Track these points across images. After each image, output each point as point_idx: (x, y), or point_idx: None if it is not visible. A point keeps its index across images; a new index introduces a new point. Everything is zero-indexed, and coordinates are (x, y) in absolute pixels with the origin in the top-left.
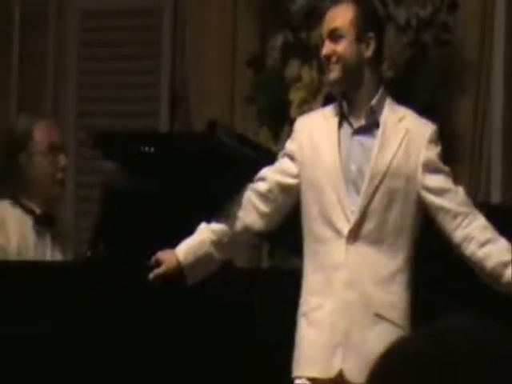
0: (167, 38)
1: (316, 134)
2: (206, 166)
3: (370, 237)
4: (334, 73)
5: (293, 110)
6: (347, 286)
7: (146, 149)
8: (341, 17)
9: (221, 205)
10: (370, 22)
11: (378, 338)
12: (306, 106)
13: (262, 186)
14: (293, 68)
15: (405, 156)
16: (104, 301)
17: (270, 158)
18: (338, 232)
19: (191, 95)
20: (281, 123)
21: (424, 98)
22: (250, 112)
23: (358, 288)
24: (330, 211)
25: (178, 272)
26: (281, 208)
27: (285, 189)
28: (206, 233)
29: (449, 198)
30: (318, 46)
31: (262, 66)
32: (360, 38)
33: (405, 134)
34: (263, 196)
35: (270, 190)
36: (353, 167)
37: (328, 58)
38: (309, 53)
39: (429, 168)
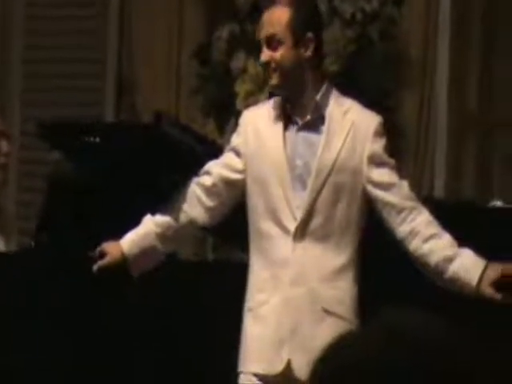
0: (113, 28)
1: (262, 128)
2: (152, 157)
3: (316, 233)
4: (274, 80)
5: (239, 102)
6: (293, 282)
7: (91, 139)
8: (277, 21)
9: (166, 196)
10: (307, 22)
11: (327, 333)
12: (252, 99)
13: (206, 180)
14: (239, 60)
15: (350, 150)
16: (48, 291)
17: (216, 150)
18: (284, 229)
19: (137, 86)
20: (227, 115)
21: (369, 92)
22: (197, 104)
23: (305, 284)
24: (276, 208)
25: (122, 263)
26: (225, 202)
27: (229, 183)
28: (150, 225)
29: (394, 193)
30: None
31: (208, 58)
32: (298, 42)
33: (350, 127)
34: (208, 190)
35: (214, 184)
36: (299, 162)
37: (267, 64)
38: (254, 45)
39: (374, 161)
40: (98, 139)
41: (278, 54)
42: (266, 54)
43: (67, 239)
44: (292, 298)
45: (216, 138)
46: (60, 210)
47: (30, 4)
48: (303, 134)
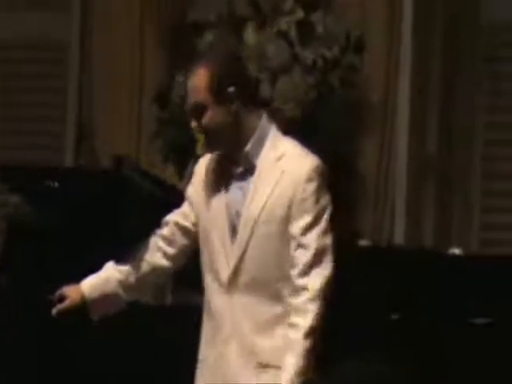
0: (74, 72)
1: (210, 178)
2: (111, 202)
3: (249, 284)
4: (206, 145)
5: (198, 148)
6: (228, 336)
7: (50, 183)
8: (196, 88)
9: (126, 241)
10: (225, 78)
11: None
12: None
13: (165, 230)
14: None
15: (279, 198)
16: (7, 333)
17: (175, 194)
18: (219, 281)
19: (97, 130)
20: (186, 160)
21: (329, 139)
22: (157, 148)
23: (240, 338)
24: (215, 259)
25: (82, 307)
26: (184, 249)
27: (185, 232)
28: (112, 271)
29: (293, 247)
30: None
31: (168, 102)
32: (221, 100)
33: (280, 175)
34: (167, 239)
35: (172, 233)
36: (233, 212)
37: (197, 132)
38: None
39: (298, 209)
40: (56, 183)
41: (203, 121)
42: (193, 124)
43: (26, 282)
44: (225, 355)
45: (176, 182)
46: (19, 252)
47: None
48: (239, 184)
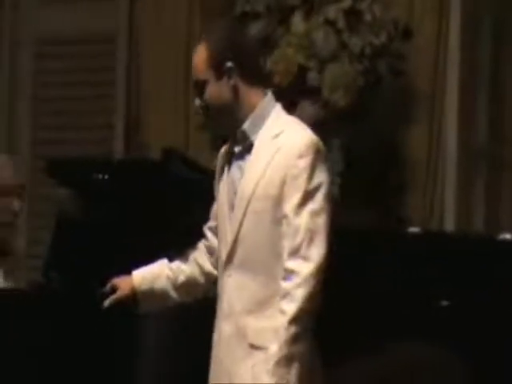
0: (122, 65)
1: (221, 164)
2: (160, 194)
3: (244, 264)
4: (210, 124)
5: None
6: (225, 317)
7: (100, 176)
8: (197, 63)
9: (174, 234)
10: (224, 52)
11: (250, 371)
12: None
13: (206, 238)
14: None
15: (272, 176)
16: (56, 328)
17: None
18: (221, 260)
19: (146, 122)
20: None
21: (378, 127)
22: (205, 139)
23: (234, 319)
24: (220, 239)
25: (132, 298)
26: None
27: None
28: (164, 268)
29: (287, 232)
30: (272, 73)
31: None
32: (220, 75)
33: (275, 153)
34: (207, 248)
35: (209, 239)
36: (233, 192)
37: (201, 111)
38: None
39: (290, 187)
40: (106, 176)
41: (204, 97)
42: (196, 101)
43: (76, 276)
44: (221, 333)
45: None
46: (68, 246)
47: (39, 42)
48: (238, 163)
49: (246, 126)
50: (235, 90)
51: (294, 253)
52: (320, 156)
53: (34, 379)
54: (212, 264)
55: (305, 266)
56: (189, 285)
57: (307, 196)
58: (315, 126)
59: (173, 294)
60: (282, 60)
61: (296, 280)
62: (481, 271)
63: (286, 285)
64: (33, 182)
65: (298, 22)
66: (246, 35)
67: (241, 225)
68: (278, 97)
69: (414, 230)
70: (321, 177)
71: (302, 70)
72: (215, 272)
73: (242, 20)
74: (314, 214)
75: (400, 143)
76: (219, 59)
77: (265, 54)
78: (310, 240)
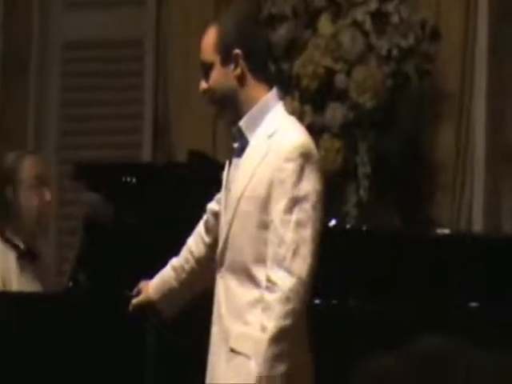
0: (150, 69)
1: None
2: (188, 196)
3: (232, 266)
4: (218, 112)
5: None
6: (215, 318)
7: (128, 179)
8: (205, 45)
9: None
10: (233, 38)
11: (231, 376)
12: None
13: (205, 217)
14: None
15: (261, 177)
16: (85, 331)
17: None
18: (216, 261)
19: (174, 126)
20: None
21: (406, 129)
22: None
23: (220, 322)
24: (219, 238)
25: (153, 305)
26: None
27: (215, 216)
28: (168, 270)
29: (271, 240)
30: (300, 77)
31: None
32: (226, 60)
33: (265, 153)
34: (205, 226)
35: (207, 220)
36: (228, 190)
37: (205, 95)
38: (290, 84)
39: (276, 192)
40: (134, 180)
41: (210, 80)
42: (201, 84)
43: (104, 279)
44: (212, 335)
45: None
46: (97, 250)
47: (66, 46)
48: (236, 161)
49: (242, 122)
50: (239, 79)
51: (278, 263)
52: (310, 162)
53: (62, 382)
54: (204, 244)
55: (288, 281)
56: (192, 279)
57: (294, 203)
58: (343, 128)
59: (185, 290)
60: (309, 63)
61: (278, 294)
62: (510, 272)
63: (268, 297)
64: (61, 187)
65: (325, 24)
66: (258, 26)
67: (230, 226)
68: (306, 100)
69: (442, 231)
70: (309, 186)
71: (330, 73)
72: (206, 253)
73: (268, 23)
74: (300, 224)
75: (428, 144)
76: (228, 44)
77: (292, 57)
78: (295, 252)
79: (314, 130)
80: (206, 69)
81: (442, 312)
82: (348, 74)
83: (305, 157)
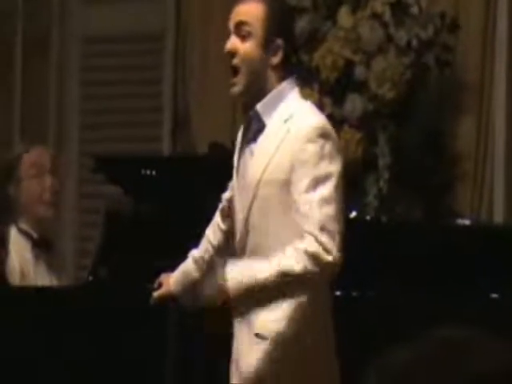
0: (169, 63)
1: (237, 144)
2: (208, 189)
3: (254, 251)
4: (237, 86)
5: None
6: (238, 306)
7: (148, 172)
8: (252, 13)
9: None
10: (279, 27)
11: (259, 360)
12: None
13: (220, 206)
14: None
15: (281, 160)
16: (106, 324)
17: None
18: (235, 248)
19: (193, 118)
20: None
21: (426, 119)
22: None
23: (243, 310)
24: (235, 227)
25: (174, 298)
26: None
27: (231, 202)
28: (189, 262)
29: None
30: (319, 68)
31: None
32: (268, 44)
33: (284, 136)
34: (221, 214)
35: (223, 208)
36: (243, 175)
37: (230, 56)
38: (310, 75)
39: (298, 172)
40: (154, 173)
41: (245, 46)
42: (232, 42)
43: (125, 273)
44: (237, 325)
45: None
46: (117, 243)
47: (86, 40)
48: (250, 146)
49: (259, 106)
50: (272, 67)
51: (311, 239)
52: (331, 143)
53: (81, 377)
54: (221, 232)
55: (325, 256)
56: (211, 266)
57: (316, 183)
58: (363, 120)
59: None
60: (328, 54)
61: (303, 247)
62: None
63: (296, 246)
64: (81, 180)
65: (344, 16)
66: (294, 21)
67: (250, 209)
68: (326, 91)
69: (463, 221)
70: (331, 165)
71: (349, 64)
72: (225, 239)
73: None
74: (323, 202)
75: (448, 135)
76: (275, 29)
77: (312, 48)
78: (322, 228)
79: (333, 122)
80: (243, 30)
81: (463, 303)
82: (367, 65)
83: (325, 138)
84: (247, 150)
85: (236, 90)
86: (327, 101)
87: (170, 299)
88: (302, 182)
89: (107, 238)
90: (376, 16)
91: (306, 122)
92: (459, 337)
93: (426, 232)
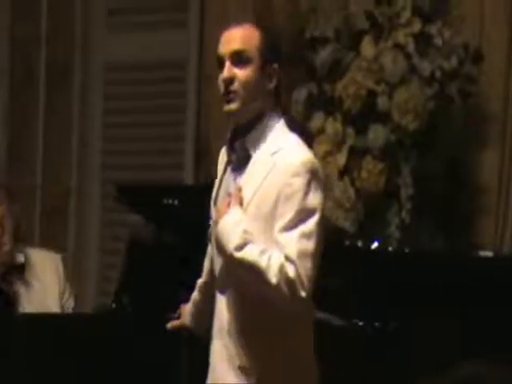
0: (192, 91)
1: (221, 167)
2: None
3: (234, 282)
4: (234, 104)
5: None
6: (215, 335)
7: (170, 201)
8: (247, 39)
9: None
10: (275, 52)
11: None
12: (331, 158)
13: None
14: (317, 120)
15: (266, 193)
16: (128, 352)
17: None
18: (216, 277)
19: (215, 147)
20: None
21: (449, 151)
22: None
23: (222, 338)
24: (216, 257)
25: (186, 328)
26: None
27: None
28: (196, 294)
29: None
30: (342, 99)
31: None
32: (265, 68)
33: (269, 170)
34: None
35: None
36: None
37: (228, 83)
38: (333, 105)
39: (283, 206)
40: (176, 202)
41: (245, 72)
42: (230, 70)
43: (147, 301)
44: (212, 353)
45: None
46: (139, 271)
47: (108, 68)
48: (233, 175)
49: (248, 137)
50: (268, 96)
51: (292, 266)
52: (316, 178)
53: None
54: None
55: (299, 289)
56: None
57: (299, 217)
58: (385, 150)
59: (210, 308)
60: (351, 84)
61: (278, 263)
62: None
63: (286, 268)
64: (104, 207)
65: (367, 46)
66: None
67: None
68: (348, 122)
69: (486, 253)
70: (315, 201)
71: (372, 95)
72: None
73: (311, 45)
74: (304, 236)
75: (471, 167)
76: (271, 55)
77: (334, 78)
78: (301, 260)
79: (356, 152)
80: (241, 58)
81: (485, 336)
82: (390, 95)
83: (312, 173)
84: (230, 178)
85: (233, 107)
86: (350, 131)
87: (183, 329)
88: (285, 216)
89: (130, 266)
90: (399, 47)
91: (293, 156)
92: (483, 375)
93: (449, 263)
